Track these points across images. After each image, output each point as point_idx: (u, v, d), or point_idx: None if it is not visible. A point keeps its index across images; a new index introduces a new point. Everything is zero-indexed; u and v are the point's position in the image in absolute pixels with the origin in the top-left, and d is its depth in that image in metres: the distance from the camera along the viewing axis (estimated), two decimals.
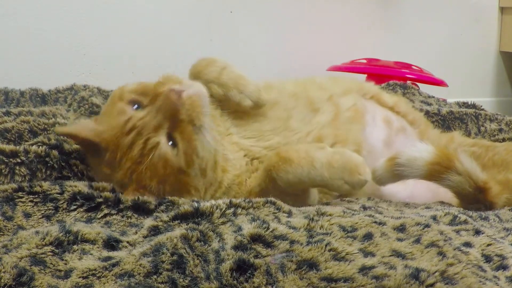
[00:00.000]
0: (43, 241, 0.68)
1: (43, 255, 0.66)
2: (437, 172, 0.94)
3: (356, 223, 0.76)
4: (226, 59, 1.06)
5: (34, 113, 1.16)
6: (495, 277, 0.67)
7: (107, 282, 0.62)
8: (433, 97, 1.85)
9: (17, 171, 0.90)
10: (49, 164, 0.92)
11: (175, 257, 0.65)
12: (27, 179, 0.90)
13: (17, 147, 0.92)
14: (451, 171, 0.94)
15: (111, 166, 0.87)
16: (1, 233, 0.74)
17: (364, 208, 0.89)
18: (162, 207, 0.83)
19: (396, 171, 0.95)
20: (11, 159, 0.90)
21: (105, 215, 0.81)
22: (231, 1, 2.13)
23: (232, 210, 0.80)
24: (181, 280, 0.63)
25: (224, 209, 0.79)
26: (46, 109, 1.20)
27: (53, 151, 0.94)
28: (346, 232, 0.74)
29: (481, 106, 1.78)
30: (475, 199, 0.95)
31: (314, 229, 0.75)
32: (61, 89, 1.53)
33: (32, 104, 1.44)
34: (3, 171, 0.89)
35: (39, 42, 1.79)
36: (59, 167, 0.92)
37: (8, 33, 1.75)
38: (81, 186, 0.84)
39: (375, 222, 0.77)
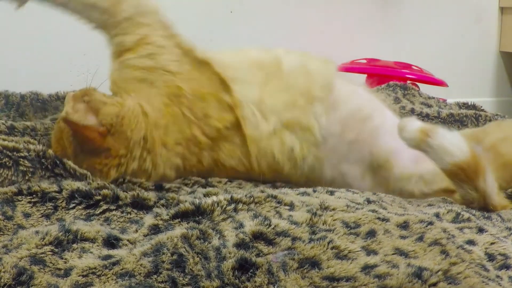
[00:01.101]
0: (42, 241, 0.67)
1: (42, 255, 0.65)
2: (457, 177, 0.90)
3: (360, 218, 0.75)
4: None
5: (39, 131, 1.16)
6: (498, 276, 0.67)
7: (107, 281, 0.62)
8: (433, 98, 1.84)
9: (21, 162, 0.91)
10: (44, 166, 0.94)
11: (175, 257, 0.65)
12: (30, 171, 0.91)
13: (19, 145, 0.94)
14: (470, 183, 0.90)
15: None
16: (1, 233, 0.73)
17: (369, 201, 0.88)
18: (162, 201, 0.83)
19: (423, 147, 0.90)
20: (14, 153, 0.92)
21: (104, 211, 0.80)
22: (231, 1, 2.13)
23: (233, 206, 0.79)
24: (180, 278, 0.62)
25: (225, 205, 0.79)
26: (49, 124, 1.21)
27: (49, 150, 0.96)
28: (349, 228, 0.73)
29: (481, 106, 1.77)
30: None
31: (316, 225, 0.74)
32: (61, 95, 1.51)
33: (32, 109, 1.43)
34: (7, 163, 0.90)
35: (39, 42, 1.79)
36: (52, 166, 0.95)
37: (8, 33, 1.75)
38: (79, 184, 0.85)
39: (379, 218, 0.76)
